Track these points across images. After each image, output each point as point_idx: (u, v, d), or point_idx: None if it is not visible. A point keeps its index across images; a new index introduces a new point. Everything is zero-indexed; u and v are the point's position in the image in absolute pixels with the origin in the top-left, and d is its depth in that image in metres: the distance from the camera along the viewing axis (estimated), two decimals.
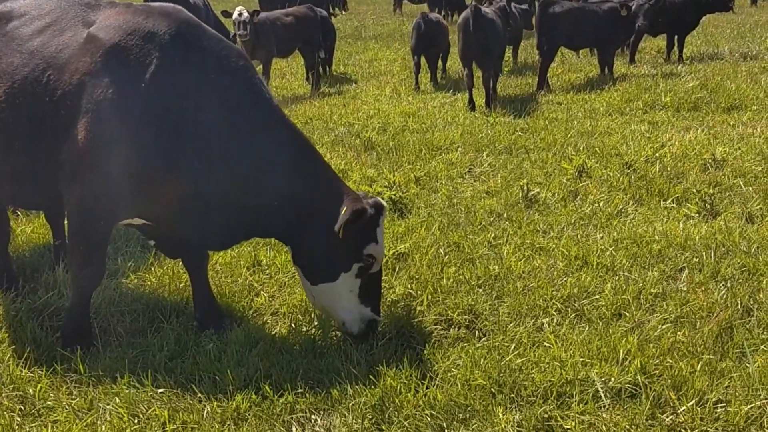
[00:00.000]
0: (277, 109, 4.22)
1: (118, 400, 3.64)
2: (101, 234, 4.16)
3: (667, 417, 3.43)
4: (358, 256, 4.11)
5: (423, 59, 12.34)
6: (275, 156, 4.10)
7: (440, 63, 13.17)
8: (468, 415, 3.51)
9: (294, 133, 4.24)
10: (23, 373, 3.87)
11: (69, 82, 3.97)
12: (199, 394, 3.72)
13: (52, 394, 3.71)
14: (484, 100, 10.41)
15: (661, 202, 6.26)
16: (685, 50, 13.98)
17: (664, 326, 4.16)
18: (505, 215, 6.10)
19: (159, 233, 4.39)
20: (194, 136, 3.93)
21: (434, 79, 12.70)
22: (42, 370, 3.92)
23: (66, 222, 5.60)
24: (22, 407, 3.63)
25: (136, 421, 3.51)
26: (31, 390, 3.72)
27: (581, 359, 3.83)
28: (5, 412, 3.53)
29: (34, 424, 3.49)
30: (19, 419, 3.53)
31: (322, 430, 3.48)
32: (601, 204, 6.24)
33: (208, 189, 3.99)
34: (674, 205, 6.17)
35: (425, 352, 4.02)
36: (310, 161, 4.23)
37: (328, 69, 14.21)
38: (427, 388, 3.69)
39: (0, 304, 4.61)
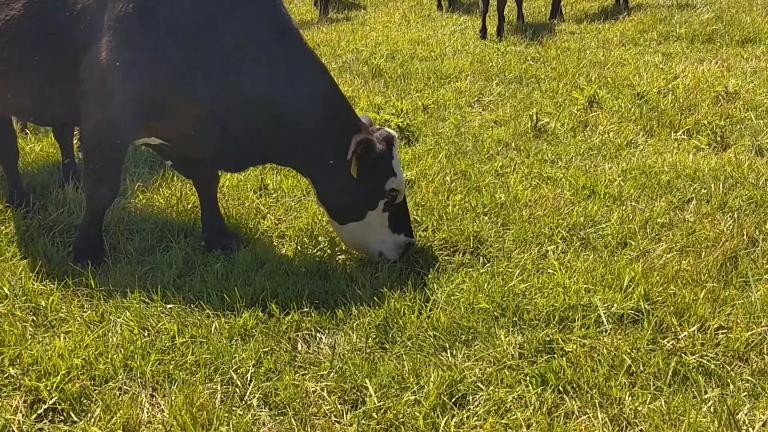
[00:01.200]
0: (297, 36, 4.14)
1: (128, 313, 3.71)
2: (117, 152, 4.18)
3: (668, 342, 3.48)
4: (381, 193, 4.12)
5: None
6: (293, 83, 4.04)
7: None
8: (470, 337, 3.57)
9: (314, 63, 4.18)
10: (35, 286, 3.94)
11: None
12: (207, 311, 3.78)
13: (64, 307, 3.78)
14: (495, 28, 10.23)
15: (672, 134, 6.20)
16: None
17: (669, 255, 4.18)
18: (513, 144, 6.06)
19: (175, 153, 4.39)
20: (213, 56, 3.89)
21: (440, 7, 12.47)
22: (54, 284, 3.99)
23: (77, 140, 5.65)
24: (35, 318, 3.70)
25: (146, 333, 3.58)
26: (43, 302, 3.79)
27: (585, 286, 3.87)
28: (18, 323, 3.60)
29: (46, 335, 3.56)
30: (31, 329, 3.60)
31: (326, 347, 3.55)
32: (611, 135, 6.19)
33: (224, 111, 3.97)
34: (685, 137, 6.12)
35: (429, 276, 4.06)
36: (328, 92, 4.16)
37: None
38: (430, 310, 3.75)
39: (11, 220, 4.65)
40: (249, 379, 3.29)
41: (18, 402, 3.09)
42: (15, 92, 4.27)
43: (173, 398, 3.13)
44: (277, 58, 4.02)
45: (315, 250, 4.38)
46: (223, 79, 3.91)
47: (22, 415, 3.02)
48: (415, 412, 3.09)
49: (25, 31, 4.06)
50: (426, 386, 3.21)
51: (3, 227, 4.58)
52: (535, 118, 6.38)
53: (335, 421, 3.09)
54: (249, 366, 3.36)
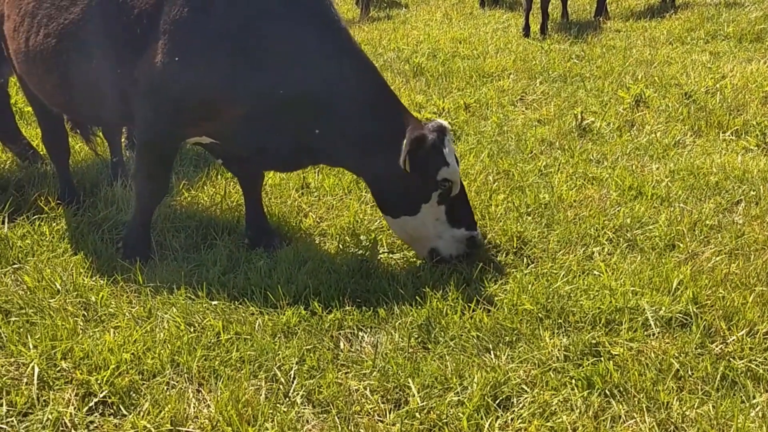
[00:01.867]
0: (347, 34, 4.16)
1: (175, 309, 3.76)
2: (168, 151, 4.28)
3: (716, 346, 3.42)
4: (434, 184, 4.05)
5: None
6: (343, 81, 4.06)
7: None
8: (514, 338, 3.54)
9: (363, 60, 4.19)
10: (86, 282, 4.02)
11: (146, 1, 3.97)
12: (251, 308, 3.82)
13: (113, 302, 3.85)
14: (539, 26, 10.14)
15: (720, 134, 6.09)
16: None
17: (717, 258, 4.10)
18: (557, 144, 6.00)
19: (225, 152, 4.44)
20: (264, 56, 3.93)
21: (483, 4, 12.40)
22: (103, 280, 4.06)
23: (125, 138, 5.76)
24: (86, 313, 3.78)
25: (192, 330, 3.63)
26: (93, 297, 3.86)
27: (632, 288, 3.82)
28: (70, 317, 3.68)
29: (96, 329, 3.63)
30: (82, 324, 3.68)
31: (369, 346, 3.55)
32: (658, 134, 6.10)
33: (274, 110, 4.01)
34: (733, 138, 6.00)
35: (472, 276, 4.04)
36: (378, 89, 4.17)
37: None
38: (473, 311, 3.73)
39: (63, 217, 4.75)
40: (292, 376, 3.32)
41: (70, 395, 3.15)
42: (71, 93, 4.36)
43: (219, 394, 3.17)
44: (327, 57, 4.04)
45: (357, 249, 4.39)
46: (274, 79, 3.95)
47: (74, 408, 3.08)
48: (459, 413, 3.08)
49: (82, 35, 4.13)
50: (469, 387, 3.20)
51: (55, 224, 4.68)
52: (579, 117, 6.31)
53: (378, 420, 3.10)
54: (292, 363, 3.38)
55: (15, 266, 4.21)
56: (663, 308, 3.65)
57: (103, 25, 4.09)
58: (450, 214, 4.11)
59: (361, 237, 4.49)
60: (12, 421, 3.04)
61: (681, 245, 4.30)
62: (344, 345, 3.57)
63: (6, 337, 3.51)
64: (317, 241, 4.57)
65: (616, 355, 3.38)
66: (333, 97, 4.03)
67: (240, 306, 3.84)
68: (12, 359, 3.36)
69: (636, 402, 3.12)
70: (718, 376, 3.22)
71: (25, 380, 3.23)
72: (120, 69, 4.06)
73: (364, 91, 4.12)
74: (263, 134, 4.09)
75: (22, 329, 3.58)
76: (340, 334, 3.65)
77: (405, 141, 3.96)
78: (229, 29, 3.91)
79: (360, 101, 4.08)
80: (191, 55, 3.90)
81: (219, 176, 5.45)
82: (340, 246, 4.47)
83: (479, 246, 4.21)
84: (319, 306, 3.77)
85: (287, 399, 3.21)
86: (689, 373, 3.27)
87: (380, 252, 4.39)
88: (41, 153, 5.71)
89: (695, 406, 3.08)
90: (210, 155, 4.86)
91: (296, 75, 3.97)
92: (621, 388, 3.19)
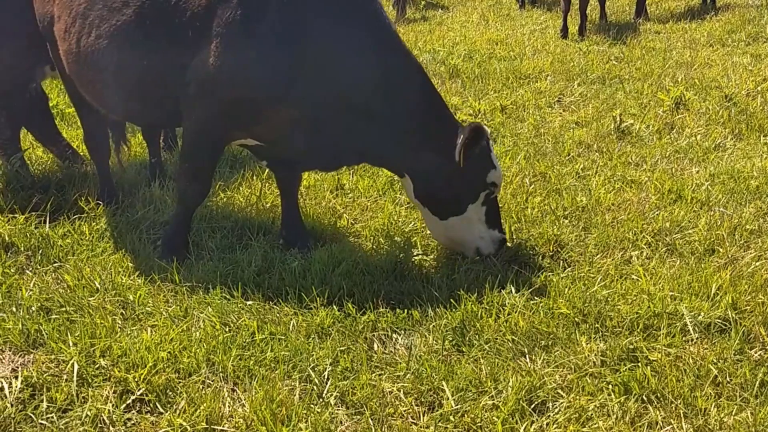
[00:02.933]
0: (396, 36, 4.19)
1: (210, 309, 3.79)
2: (213, 152, 4.33)
3: (756, 352, 3.36)
4: (482, 185, 4.15)
5: None
6: (393, 82, 4.09)
7: None
8: (550, 342, 3.51)
9: (411, 61, 4.22)
10: (124, 281, 4.08)
11: (199, 3, 4.01)
12: (285, 308, 3.84)
13: (150, 301, 3.89)
14: (577, 28, 10.05)
15: (761, 138, 5.98)
16: None
17: (758, 263, 4.02)
18: (595, 146, 5.94)
19: (270, 154, 4.47)
20: (318, 59, 3.96)
21: (522, 5, 12.32)
22: (141, 279, 4.12)
23: (162, 139, 5.83)
24: (123, 312, 3.83)
25: (227, 329, 3.65)
26: (131, 296, 3.91)
27: (670, 293, 3.76)
28: (109, 316, 3.73)
29: (134, 328, 3.67)
30: (120, 322, 3.73)
31: (403, 348, 3.55)
32: (699, 137, 6.00)
33: (324, 112, 4.04)
34: None
35: (507, 279, 4.01)
36: (426, 90, 4.21)
37: None
38: (508, 314, 3.70)
39: (102, 217, 4.83)
40: (326, 377, 3.32)
41: (108, 392, 3.20)
42: (120, 94, 4.39)
43: (254, 393, 3.19)
44: (378, 57, 4.07)
45: (391, 250, 4.39)
46: (327, 80, 3.98)
47: (112, 405, 3.12)
48: (494, 417, 3.05)
49: (134, 36, 4.16)
50: (504, 391, 3.18)
51: (95, 224, 4.75)
52: (618, 119, 6.24)
53: (412, 422, 3.09)
54: (326, 364, 3.39)
55: (56, 265, 4.29)
56: (702, 313, 3.59)
57: (155, 27, 4.12)
58: (488, 215, 4.22)
59: (396, 238, 4.50)
60: (52, 417, 3.09)
61: (721, 250, 4.22)
62: (378, 347, 3.57)
63: (47, 334, 3.57)
64: (351, 243, 4.57)
65: (653, 360, 3.33)
66: (384, 97, 4.07)
67: (274, 306, 3.86)
68: (52, 356, 3.42)
69: (673, 408, 3.07)
70: (757, 382, 3.16)
71: (65, 377, 3.28)
72: (171, 71, 4.10)
73: (413, 91, 4.15)
74: (312, 136, 4.13)
75: (62, 327, 3.64)
76: (374, 335, 3.65)
77: (463, 134, 4.03)
78: (283, 31, 3.93)
79: (410, 101, 4.13)
80: (244, 58, 3.93)
81: (254, 177, 5.49)
82: (375, 247, 4.48)
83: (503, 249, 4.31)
84: (353, 307, 3.78)
85: (321, 400, 3.21)
86: (728, 379, 3.22)
87: (414, 254, 4.38)
88: (81, 154, 5.81)
89: (733, 413, 3.03)
90: (254, 157, 4.89)
91: (348, 76, 4.01)
92: (658, 394, 3.14)
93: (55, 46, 4.69)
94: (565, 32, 10.01)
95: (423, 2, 13.32)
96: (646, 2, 11.27)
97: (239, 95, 4.00)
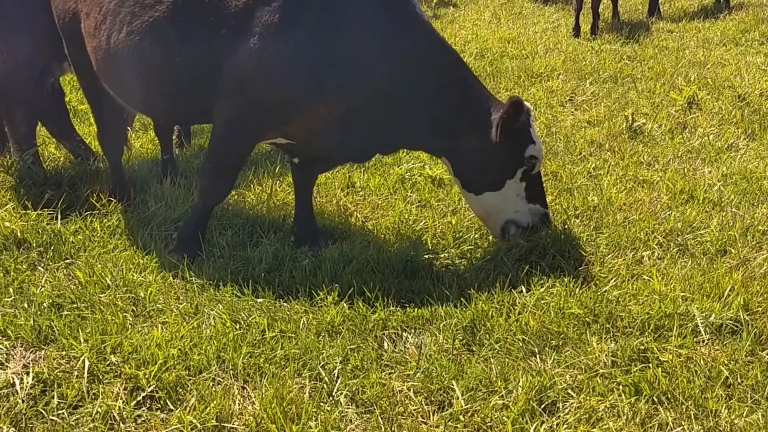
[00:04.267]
0: (427, 24, 4.21)
1: (221, 306, 3.80)
2: (244, 151, 4.35)
3: (767, 354, 3.34)
4: (521, 160, 4.16)
5: None
6: (430, 69, 4.12)
7: None
8: (561, 342, 3.50)
9: (446, 48, 4.24)
10: (135, 278, 4.09)
11: (236, 2, 4.00)
12: (296, 306, 3.84)
13: (161, 298, 3.91)
14: (589, 26, 10.01)
15: None
16: None
17: None
18: (606, 145, 5.92)
19: (302, 150, 4.47)
20: (350, 55, 3.96)
21: None
22: (152, 276, 4.13)
23: (175, 137, 5.84)
24: (134, 308, 3.84)
25: (237, 326, 3.66)
26: (142, 293, 3.92)
27: (682, 294, 3.74)
28: (120, 312, 3.74)
29: (145, 324, 3.68)
30: (131, 319, 3.74)
31: (413, 347, 3.55)
32: (711, 137, 5.97)
33: (359, 107, 4.06)
34: None
35: (517, 278, 4.01)
36: (462, 72, 4.24)
37: None
38: (519, 313, 3.69)
39: (114, 214, 4.85)
40: (336, 375, 3.32)
41: (119, 389, 3.21)
42: (150, 90, 4.37)
43: (264, 391, 3.19)
44: (411, 47, 4.07)
45: (401, 249, 4.38)
46: (361, 77, 4.00)
47: (123, 402, 3.14)
48: (503, 417, 3.05)
49: (167, 33, 4.14)
50: (514, 391, 3.17)
51: (106, 220, 4.77)
52: (630, 118, 6.21)
53: (422, 421, 3.09)
54: (336, 362, 3.39)
55: (67, 261, 4.30)
56: (713, 314, 3.57)
57: (189, 24, 4.11)
58: (529, 190, 4.25)
59: (406, 237, 4.49)
60: (63, 413, 3.11)
61: (733, 251, 4.20)
62: (388, 345, 3.57)
63: (58, 330, 3.59)
64: (362, 241, 4.57)
65: (664, 361, 3.32)
66: (421, 84, 4.09)
67: (285, 304, 3.87)
68: (63, 352, 3.44)
69: (684, 409, 3.06)
70: None
71: (75, 373, 3.30)
72: (204, 68, 4.09)
73: (450, 74, 4.18)
74: (346, 129, 4.14)
75: (73, 323, 3.66)
76: (384, 334, 3.65)
77: (503, 109, 4.05)
78: (316, 32, 3.94)
79: (448, 84, 4.15)
80: (278, 58, 3.93)
81: (266, 175, 5.50)
82: (385, 246, 4.47)
83: (549, 225, 4.32)
84: (364, 306, 3.78)
85: (331, 398, 3.22)
86: (739, 380, 3.20)
87: (425, 252, 4.37)
88: (94, 150, 5.83)
89: (744, 415, 3.02)
90: (285, 155, 4.89)
91: (382, 67, 4.02)
92: (669, 395, 3.13)
93: (74, 43, 4.68)
94: (577, 31, 9.97)
95: (435, 0, 13.28)
96: (659, 1, 11.21)
97: (272, 94, 3.99)
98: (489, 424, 3.03)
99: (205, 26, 4.06)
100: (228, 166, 4.30)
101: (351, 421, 3.10)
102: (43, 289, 3.94)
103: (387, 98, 4.08)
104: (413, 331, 3.67)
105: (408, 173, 5.37)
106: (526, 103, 4.20)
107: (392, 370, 3.38)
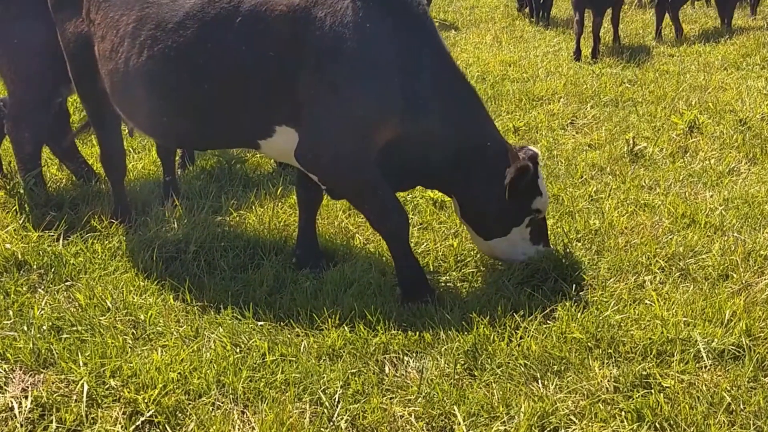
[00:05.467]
0: (451, 59, 4.23)
1: (221, 329, 3.79)
2: (371, 174, 4.11)
3: None
4: (527, 211, 4.26)
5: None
6: (455, 108, 4.14)
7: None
8: (563, 367, 3.48)
9: (468, 86, 4.27)
10: (135, 300, 4.08)
11: (279, 29, 3.89)
12: (297, 329, 3.83)
13: (161, 321, 3.89)
14: (590, 50, 10.06)
15: None
16: None
17: None
18: (608, 169, 5.92)
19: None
20: (403, 84, 3.96)
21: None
22: (152, 298, 4.11)
23: (179, 158, 5.84)
24: (134, 331, 3.82)
25: (238, 350, 3.64)
26: (142, 316, 3.91)
27: (684, 319, 3.73)
28: (119, 335, 3.73)
29: (145, 348, 3.67)
30: (131, 342, 3.72)
31: (414, 371, 3.52)
32: (712, 161, 5.98)
33: (411, 140, 4.05)
34: None
35: (519, 303, 3.99)
36: (482, 116, 4.29)
37: None
38: (520, 338, 3.68)
39: (115, 235, 4.84)
40: (337, 400, 3.30)
41: (118, 413, 3.19)
42: (170, 115, 4.26)
43: (264, 416, 3.17)
44: (443, 84, 4.09)
45: None
46: (426, 114, 4.02)
47: (121, 427, 3.12)
48: None
49: (193, 59, 4.03)
50: (516, 417, 3.15)
51: (107, 242, 4.76)
52: (631, 142, 6.22)
53: None
54: (337, 387, 3.37)
55: (68, 283, 4.29)
56: (715, 340, 3.56)
57: (219, 50, 3.99)
58: (534, 234, 4.34)
59: None
60: None
61: (735, 275, 4.19)
62: (389, 369, 3.55)
63: (57, 354, 3.57)
64: (363, 263, 4.56)
65: (666, 387, 3.29)
66: (446, 123, 4.10)
67: (286, 327, 3.85)
68: (62, 376, 3.42)
69: None
70: None
71: (74, 397, 3.28)
72: (233, 94, 4.02)
73: (471, 117, 4.23)
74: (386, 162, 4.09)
75: (73, 346, 3.64)
76: (385, 358, 3.63)
77: (509, 170, 4.09)
78: (373, 65, 3.92)
79: (468, 127, 4.19)
80: (348, 83, 3.89)
81: (267, 197, 5.50)
82: (387, 268, 4.46)
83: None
84: (365, 329, 3.76)
85: (331, 423, 3.19)
86: (741, 407, 3.18)
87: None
88: (96, 171, 5.84)
89: None
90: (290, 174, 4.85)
91: (419, 105, 4.00)
92: (671, 421, 3.11)
93: (81, 65, 4.65)
94: (578, 54, 10.02)
95: (436, 23, 13.39)
96: (662, 25, 11.28)
97: (334, 119, 3.94)
98: None
99: (242, 52, 3.94)
100: (383, 198, 4.07)
101: None
102: (43, 312, 3.92)
103: (420, 132, 4.05)
104: (415, 354, 3.65)
105: (409, 195, 5.38)
106: (536, 151, 4.26)
107: (393, 395, 3.36)
